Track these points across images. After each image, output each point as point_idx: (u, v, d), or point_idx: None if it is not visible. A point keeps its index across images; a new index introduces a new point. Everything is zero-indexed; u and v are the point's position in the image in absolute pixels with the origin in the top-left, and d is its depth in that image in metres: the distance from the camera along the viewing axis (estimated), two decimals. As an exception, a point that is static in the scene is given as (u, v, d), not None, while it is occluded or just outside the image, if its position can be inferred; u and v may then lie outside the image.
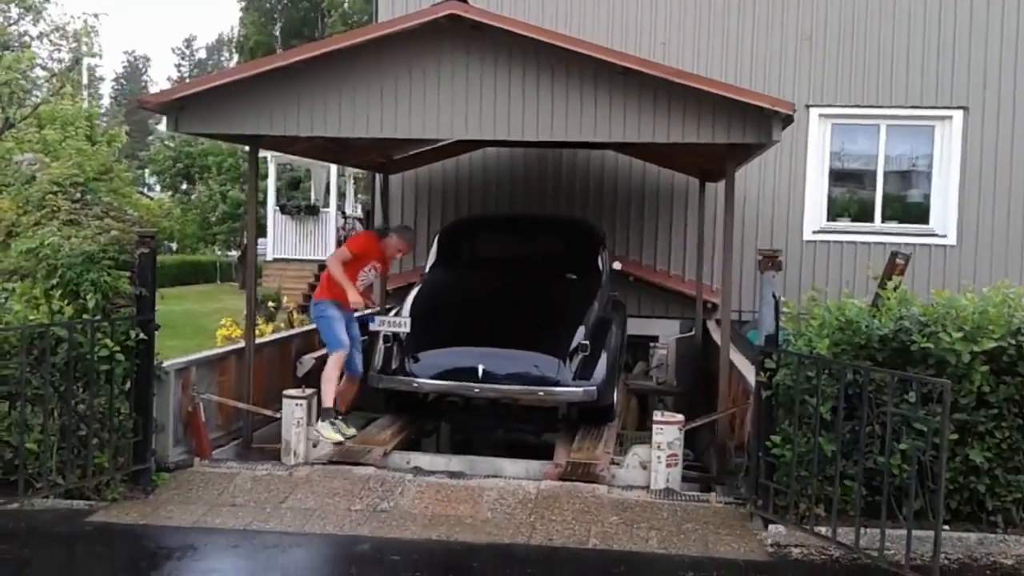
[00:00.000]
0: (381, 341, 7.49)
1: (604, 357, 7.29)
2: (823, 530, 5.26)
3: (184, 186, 26.81)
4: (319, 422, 6.90)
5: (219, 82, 6.56)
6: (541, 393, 6.99)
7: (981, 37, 10.52)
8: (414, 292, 8.22)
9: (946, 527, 5.11)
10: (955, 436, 5.14)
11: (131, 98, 68.64)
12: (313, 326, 9.95)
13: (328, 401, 7.02)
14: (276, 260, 20.34)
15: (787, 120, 6.11)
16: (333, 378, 7.09)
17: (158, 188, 27.43)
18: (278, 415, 7.03)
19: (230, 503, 5.92)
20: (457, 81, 6.40)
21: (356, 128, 6.56)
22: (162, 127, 7.24)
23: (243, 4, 37.80)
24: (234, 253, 29.24)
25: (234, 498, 6.00)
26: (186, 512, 5.74)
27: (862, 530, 5.06)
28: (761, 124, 6.11)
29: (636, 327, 10.39)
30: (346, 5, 33.37)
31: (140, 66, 79.91)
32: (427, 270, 8.83)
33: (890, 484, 4.98)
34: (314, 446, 6.86)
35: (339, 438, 6.86)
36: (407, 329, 7.33)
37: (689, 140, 6.28)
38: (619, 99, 6.26)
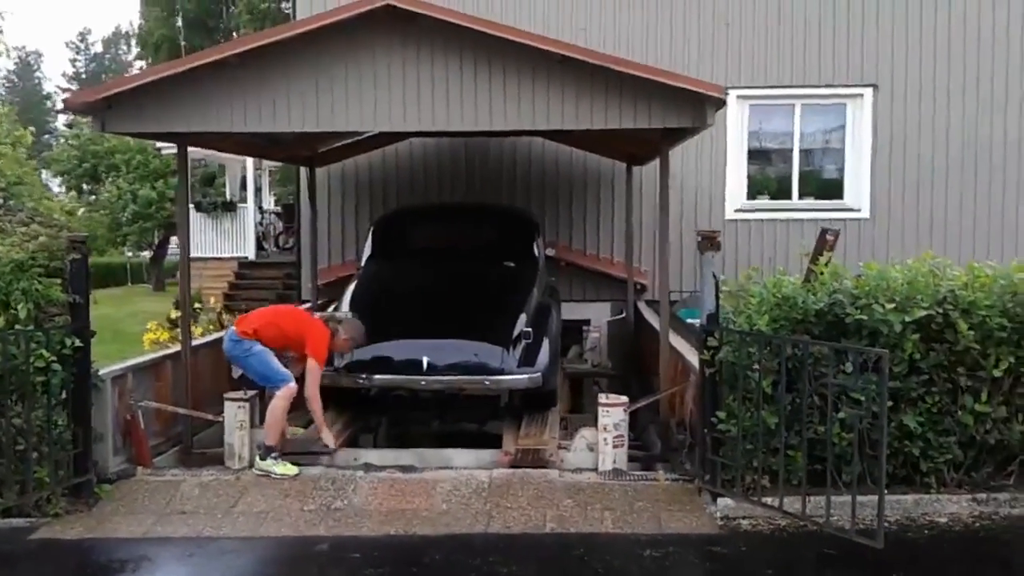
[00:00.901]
0: (321, 338, 7.39)
1: (546, 343, 7.36)
2: (770, 500, 5.44)
3: (89, 186, 25.80)
4: (264, 461, 6.42)
5: (148, 79, 6.36)
6: (487, 382, 7.02)
7: (889, 17, 10.94)
8: (352, 287, 8.15)
9: (885, 491, 5.35)
10: (889, 403, 5.35)
11: (24, 96, 65.79)
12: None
13: (273, 440, 6.53)
14: (194, 259, 19.78)
15: (719, 104, 6.28)
16: (282, 418, 6.63)
17: (63, 188, 26.32)
18: (220, 418, 6.90)
19: (179, 511, 5.79)
20: (393, 73, 6.36)
21: (292, 123, 6.45)
22: (61, 125, 6.98)
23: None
24: (146, 254, 28.36)
25: (183, 506, 5.88)
26: (134, 523, 5.59)
27: (808, 498, 5.24)
28: (695, 109, 6.25)
29: (569, 311, 10.50)
30: (252, -6, 32.58)
31: (32, 62, 76.34)
32: (363, 263, 8.76)
33: (832, 453, 5.19)
34: (258, 448, 6.74)
35: (295, 471, 6.38)
36: (348, 324, 7.26)
37: (627, 126, 6.39)
38: (556, 87, 6.32)
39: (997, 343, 5.51)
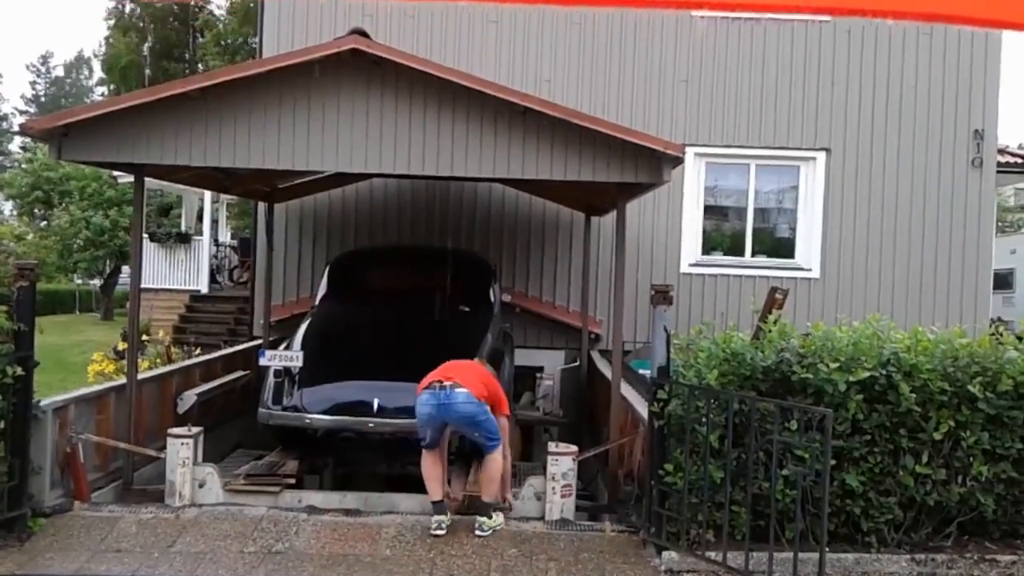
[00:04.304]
0: (271, 376, 7.33)
1: (499, 389, 7.34)
2: (714, 555, 5.47)
3: (42, 211, 25.36)
4: (492, 519, 6.21)
5: (107, 109, 6.33)
6: (437, 427, 6.97)
7: (842, 84, 11.30)
8: (304, 325, 8.09)
9: (826, 548, 5.41)
10: (832, 462, 5.44)
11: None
12: (192, 361, 9.69)
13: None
14: (145, 290, 19.47)
15: (676, 161, 6.42)
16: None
17: (14, 213, 25.83)
18: (161, 455, 6.76)
19: (115, 549, 5.65)
20: (356, 115, 6.41)
21: (252, 159, 6.45)
22: (16, 147, 6.90)
23: (111, 22, 36.33)
24: (96, 282, 27.85)
25: (118, 543, 5.73)
26: (67, 559, 5.44)
27: (751, 554, 5.28)
28: (652, 165, 6.39)
29: (522, 358, 10.53)
30: (221, 27, 32.54)
31: (-11, 84, 75.17)
32: (317, 302, 8.71)
33: (776, 509, 5.24)
34: (200, 486, 6.63)
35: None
36: (299, 363, 7.21)
37: (585, 179, 6.50)
38: (518, 137, 6.42)
39: (938, 406, 5.64)
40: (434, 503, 6.17)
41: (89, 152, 6.56)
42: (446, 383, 6.13)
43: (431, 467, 6.24)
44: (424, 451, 6.25)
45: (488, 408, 6.25)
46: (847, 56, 11.30)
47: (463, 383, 6.15)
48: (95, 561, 5.44)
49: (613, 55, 11.31)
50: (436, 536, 6.02)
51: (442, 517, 6.11)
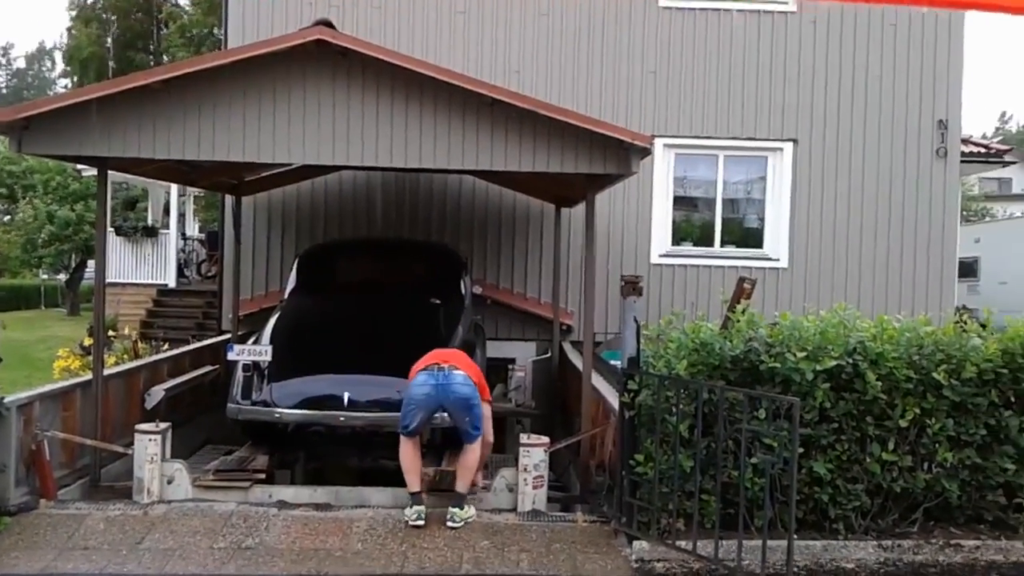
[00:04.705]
0: (240, 370, 7.26)
1: (470, 381, 7.33)
2: (684, 544, 5.51)
3: (5, 205, 24.93)
4: (463, 510, 6.22)
5: (69, 101, 6.21)
6: (408, 419, 6.95)
7: (809, 75, 11.39)
8: (274, 319, 8.03)
9: (795, 536, 5.47)
10: (800, 450, 5.49)
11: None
12: (159, 356, 9.58)
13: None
14: (111, 284, 19.21)
15: (644, 152, 6.42)
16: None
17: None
18: (129, 451, 6.68)
19: (82, 546, 5.58)
20: (323, 106, 6.35)
21: (217, 151, 6.37)
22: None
23: (74, 12, 35.74)
24: (62, 276, 27.45)
25: (86, 541, 5.66)
26: (33, 558, 5.37)
27: (720, 542, 5.33)
28: (620, 156, 6.39)
29: (494, 350, 10.53)
30: (185, 18, 32.13)
31: (-53, 75, 73.79)
32: (286, 296, 8.64)
33: (745, 497, 5.29)
34: (169, 482, 6.56)
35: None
36: (268, 358, 7.16)
37: (553, 170, 6.48)
38: (486, 128, 6.39)
39: (903, 394, 5.72)
40: (412, 494, 6.18)
41: (51, 145, 6.44)
42: (444, 365, 6.25)
43: (412, 458, 6.27)
44: (404, 439, 6.26)
45: (479, 399, 6.38)
46: (813, 47, 11.39)
47: (459, 366, 6.31)
48: (62, 559, 5.37)
49: (582, 46, 11.30)
50: (413, 527, 6.02)
51: (420, 508, 6.12)
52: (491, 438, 6.67)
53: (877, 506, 5.84)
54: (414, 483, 6.21)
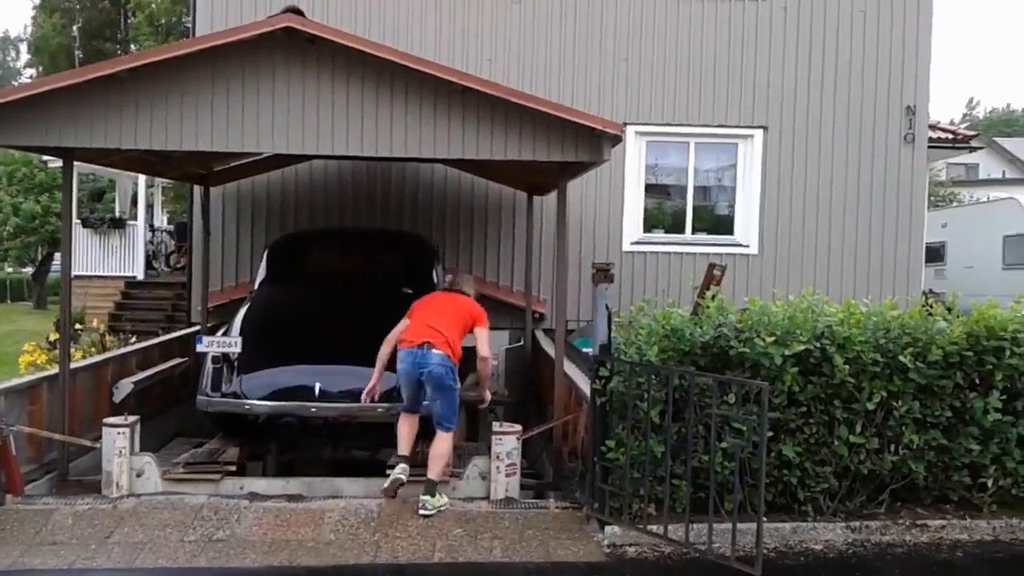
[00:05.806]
0: (210, 361, 7.21)
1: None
2: (655, 528, 5.55)
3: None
4: (435, 498, 6.22)
5: (33, 91, 6.10)
6: (380, 410, 6.93)
7: (778, 62, 11.45)
8: (244, 309, 7.96)
9: (764, 519, 5.53)
10: (769, 433, 5.55)
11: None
12: (128, 348, 9.48)
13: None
14: (78, 277, 18.96)
15: (616, 140, 6.43)
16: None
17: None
18: (97, 445, 6.62)
19: (50, 541, 5.52)
20: (292, 95, 6.29)
21: (185, 141, 6.29)
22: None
23: (37, 1, 35.14)
24: (28, 270, 27.06)
25: (54, 536, 5.60)
26: (0, 554, 5.30)
27: (691, 526, 5.38)
28: (592, 144, 6.39)
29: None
30: (153, 6, 31.69)
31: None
32: (256, 286, 8.57)
33: (715, 481, 5.34)
34: (138, 476, 6.51)
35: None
36: (238, 349, 7.10)
37: (525, 158, 6.47)
38: (457, 116, 6.36)
39: (871, 377, 5.78)
40: (400, 455, 6.43)
41: (15, 136, 6.33)
42: (425, 343, 6.48)
43: (405, 430, 6.56)
44: (401, 416, 6.59)
45: (456, 380, 6.56)
46: (783, 34, 11.45)
47: (439, 345, 6.49)
48: (29, 555, 5.31)
49: (554, 34, 11.29)
50: (398, 480, 6.26)
51: (405, 466, 6.37)
52: (488, 352, 6.87)
53: (845, 488, 5.91)
54: (403, 448, 6.49)
